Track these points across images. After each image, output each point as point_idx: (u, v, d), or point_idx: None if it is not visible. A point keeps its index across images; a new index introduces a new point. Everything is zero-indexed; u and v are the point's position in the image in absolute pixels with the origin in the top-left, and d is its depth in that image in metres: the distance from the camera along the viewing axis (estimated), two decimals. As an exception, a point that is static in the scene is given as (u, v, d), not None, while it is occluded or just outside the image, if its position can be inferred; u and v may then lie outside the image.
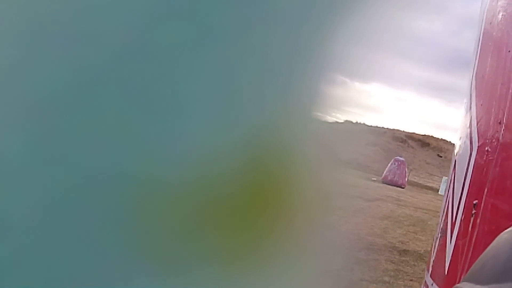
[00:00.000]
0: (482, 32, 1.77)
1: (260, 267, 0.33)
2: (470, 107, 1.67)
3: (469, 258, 1.36)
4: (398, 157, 17.12)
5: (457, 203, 1.56)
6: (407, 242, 5.75)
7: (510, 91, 1.38)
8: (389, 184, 14.40)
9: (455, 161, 1.75)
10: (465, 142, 1.64)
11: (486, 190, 1.36)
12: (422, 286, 1.88)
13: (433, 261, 1.73)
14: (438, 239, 1.74)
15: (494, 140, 1.40)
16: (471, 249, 1.37)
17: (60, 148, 0.27)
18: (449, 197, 1.68)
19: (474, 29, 1.89)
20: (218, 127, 0.30)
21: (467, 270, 1.42)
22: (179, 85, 0.29)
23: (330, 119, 0.37)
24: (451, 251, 1.51)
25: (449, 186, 1.74)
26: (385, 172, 15.68)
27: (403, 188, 14.71)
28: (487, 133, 1.45)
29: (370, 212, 7.31)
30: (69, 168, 0.27)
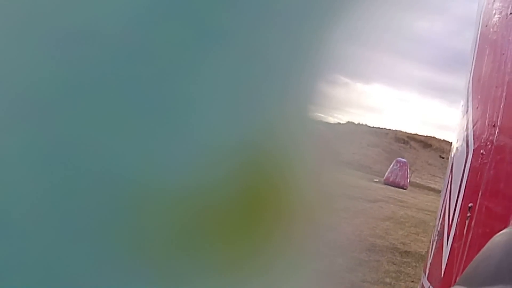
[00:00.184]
0: (478, 34, 1.77)
1: (262, 268, 0.33)
2: (467, 110, 1.68)
3: (463, 261, 1.36)
4: (400, 158, 17.05)
5: (454, 206, 1.56)
6: (409, 243, 5.73)
7: (504, 94, 1.39)
8: (391, 185, 14.35)
9: (452, 164, 1.75)
10: (461, 145, 1.64)
11: (480, 193, 1.37)
12: (420, 288, 1.87)
13: (430, 263, 1.73)
14: (435, 242, 1.74)
15: (488, 143, 1.40)
16: (466, 252, 1.37)
17: (59, 149, 0.27)
18: (446, 200, 1.68)
19: (474, 29, 1.88)
20: (220, 128, 0.30)
21: (463, 272, 1.41)
22: (177, 86, 0.29)
23: (332, 120, 0.38)
24: (448, 254, 1.51)
25: (446, 189, 1.74)
26: (387, 173, 15.62)
27: (405, 189, 14.66)
28: (482, 136, 1.45)
29: (372, 213, 7.28)
30: (69, 168, 0.27)
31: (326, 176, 0.38)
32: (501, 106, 1.38)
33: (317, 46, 0.33)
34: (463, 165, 1.54)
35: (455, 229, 1.49)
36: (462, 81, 1.86)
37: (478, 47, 1.75)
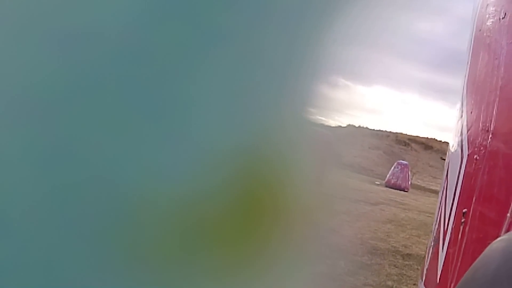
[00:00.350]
0: (473, 39, 1.77)
1: (263, 272, 0.33)
2: (461, 115, 1.68)
3: (458, 267, 1.36)
4: (401, 161, 17.04)
5: (449, 211, 1.56)
6: (411, 246, 5.72)
7: (497, 99, 1.39)
8: (392, 188, 14.34)
9: (448, 169, 1.75)
10: (456, 150, 1.64)
11: (474, 198, 1.37)
12: (416, 294, 1.87)
13: (427, 269, 1.73)
14: (431, 247, 1.74)
15: (482, 148, 1.40)
16: (461, 257, 1.37)
17: (59, 149, 0.27)
18: (442, 206, 1.68)
19: (469, 33, 1.88)
20: (220, 131, 0.30)
21: (457, 278, 1.42)
22: (174, 88, 0.29)
23: (333, 123, 0.37)
24: (443, 260, 1.51)
25: (442, 194, 1.74)
26: (388, 175, 15.61)
27: (406, 191, 14.65)
28: (476, 141, 1.45)
29: (374, 216, 7.27)
30: (69, 168, 0.27)
31: (327, 179, 0.38)
32: (494, 112, 1.38)
33: (317, 48, 0.33)
34: (458, 171, 1.54)
35: (450, 235, 1.49)
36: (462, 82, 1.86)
37: (472, 51, 1.75)
